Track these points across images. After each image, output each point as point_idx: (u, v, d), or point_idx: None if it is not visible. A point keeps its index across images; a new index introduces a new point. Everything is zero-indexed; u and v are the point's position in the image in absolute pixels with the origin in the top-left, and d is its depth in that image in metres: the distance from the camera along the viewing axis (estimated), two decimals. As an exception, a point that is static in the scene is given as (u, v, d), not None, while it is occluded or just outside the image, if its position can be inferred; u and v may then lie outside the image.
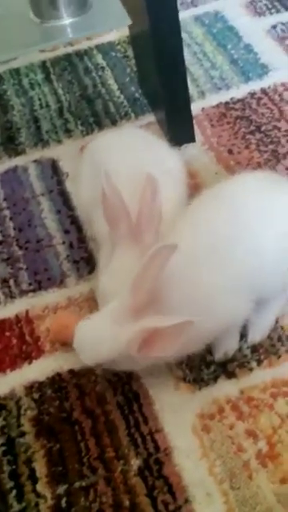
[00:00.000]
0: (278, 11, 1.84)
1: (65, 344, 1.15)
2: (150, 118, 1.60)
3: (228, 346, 1.12)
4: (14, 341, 1.20)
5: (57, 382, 1.13)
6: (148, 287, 0.98)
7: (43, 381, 1.14)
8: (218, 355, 1.11)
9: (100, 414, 1.08)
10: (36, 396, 1.12)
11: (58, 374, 1.14)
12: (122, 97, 1.67)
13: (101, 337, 1.01)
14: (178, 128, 1.46)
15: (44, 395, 1.12)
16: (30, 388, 1.13)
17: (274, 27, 1.79)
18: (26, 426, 1.08)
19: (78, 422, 1.07)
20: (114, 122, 1.61)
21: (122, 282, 1.03)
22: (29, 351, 1.18)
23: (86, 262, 1.31)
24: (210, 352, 1.12)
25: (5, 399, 1.12)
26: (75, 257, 1.32)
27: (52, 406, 1.10)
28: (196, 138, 1.50)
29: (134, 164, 1.20)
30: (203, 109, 1.58)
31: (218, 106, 1.59)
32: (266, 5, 1.86)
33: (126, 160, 1.21)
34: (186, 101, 1.44)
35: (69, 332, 1.08)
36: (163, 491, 0.98)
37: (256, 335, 1.13)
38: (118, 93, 1.69)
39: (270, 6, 1.86)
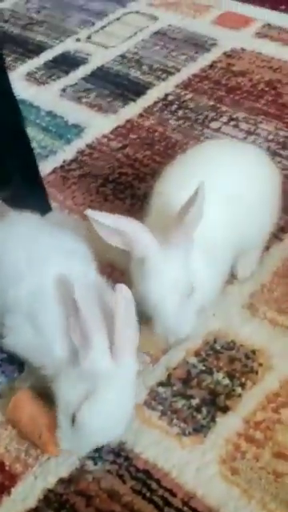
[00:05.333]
0: (59, 77, 1.87)
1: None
2: (-7, 201, 1.49)
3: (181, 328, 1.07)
4: (-26, 479, 0.99)
5: (53, 499, 0.96)
6: None
7: (36, 506, 0.95)
8: (172, 338, 1.07)
9: (121, 510, 0.93)
10: (39, 526, 0.93)
11: (50, 490, 0.96)
12: None
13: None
14: (34, 201, 1.38)
15: (47, 520, 0.93)
16: (25, 521, 0.93)
17: (64, 90, 1.81)
18: None
19: (103, 530, 0.92)
20: None
21: None
22: (0, 482, 0.98)
23: (8, 362, 1.14)
24: (193, 396, 1.06)
25: None
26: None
27: (64, 526, 0.92)
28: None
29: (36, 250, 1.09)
30: (42, 179, 1.51)
31: (54, 171, 1.54)
32: (43, 74, 1.88)
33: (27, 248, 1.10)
34: (37, 173, 1.38)
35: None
36: None
37: (246, 270, 1.21)
38: None
39: (49, 74, 1.88)
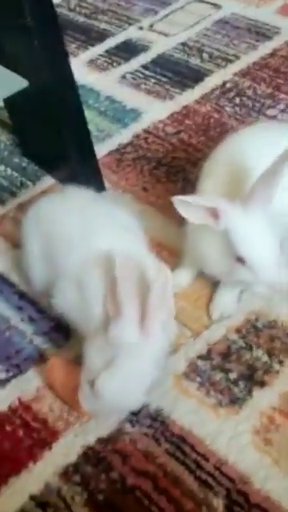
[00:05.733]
0: (119, 64, 1.92)
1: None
2: (49, 181, 1.55)
3: (225, 307, 1.17)
4: (20, 432, 1.05)
5: (92, 455, 1.01)
6: None
7: (76, 461, 1.01)
8: (215, 315, 1.17)
9: (156, 470, 0.98)
10: (77, 479, 0.98)
11: (89, 448, 1.02)
12: (9, 169, 1.60)
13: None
14: (88, 181, 1.43)
15: (85, 474, 0.99)
16: (65, 474, 0.99)
17: (124, 77, 1.86)
18: (84, 514, 0.94)
19: (136, 487, 0.96)
20: (13, 194, 1.53)
21: None
22: (42, 437, 1.05)
23: (56, 330, 1.20)
24: (232, 370, 1.09)
25: (43, 496, 0.97)
26: (43, 328, 1.21)
27: (100, 481, 0.98)
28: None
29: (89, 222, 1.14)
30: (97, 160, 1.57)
31: (109, 154, 1.60)
32: (105, 61, 1.94)
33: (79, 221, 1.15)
34: (92, 152, 1.43)
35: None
36: (262, 519, 0.91)
37: None
38: (2, 168, 1.62)
39: (110, 61, 1.94)
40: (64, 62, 1.29)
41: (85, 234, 1.12)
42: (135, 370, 0.96)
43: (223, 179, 1.17)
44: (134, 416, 1.05)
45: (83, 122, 1.37)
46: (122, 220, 1.20)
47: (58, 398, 1.08)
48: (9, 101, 1.56)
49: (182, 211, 1.07)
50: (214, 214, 1.06)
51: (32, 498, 0.98)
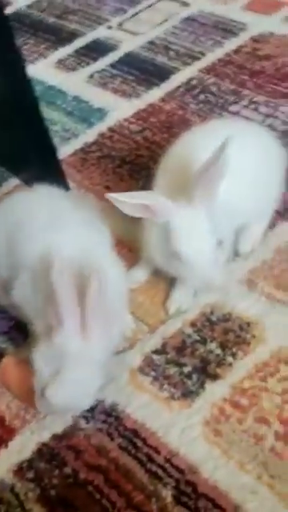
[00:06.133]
0: (88, 64, 1.94)
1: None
2: (14, 181, 1.56)
3: (181, 302, 1.19)
4: (-23, 431, 1.07)
5: (46, 451, 1.03)
6: None
7: (30, 457, 1.02)
8: (171, 310, 1.18)
9: (107, 464, 1.00)
10: (30, 475, 1.00)
11: (43, 444, 1.04)
12: (-25, 172, 1.62)
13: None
14: (51, 181, 1.44)
15: (39, 470, 1.00)
16: (19, 470, 1.01)
17: (92, 77, 1.88)
18: (36, 509, 0.96)
19: (88, 482, 0.98)
20: (-21, 195, 1.55)
21: None
22: (-1, 435, 1.07)
23: (15, 330, 1.22)
24: (185, 364, 1.11)
25: (-4, 493, 0.99)
26: (3, 328, 1.23)
27: (53, 476, 0.99)
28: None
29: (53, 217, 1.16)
30: (62, 160, 1.58)
31: (74, 153, 1.61)
32: (73, 61, 1.95)
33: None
34: (54, 153, 1.44)
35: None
36: (209, 508, 0.92)
37: (247, 245, 1.24)
38: None
39: (79, 61, 1.95)
40: (18, 65, 1.29)
41: (47, 228, 1.13)
42: (81, 376, 0.97)
43: (176, 175, 1.19)
44: (89, 412, 1.06)
45: (41, 124, 1.38)
46: (85, 217, 1.22)
47: (14, 397, 1.10)
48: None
49: (120, 207, 1.09)
50: (150, 209, 1.09)
51: (-14, 494, 1.00)
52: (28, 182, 1.52)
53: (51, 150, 1.45)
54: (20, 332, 1.20)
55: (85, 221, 1.18)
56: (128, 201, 1.09)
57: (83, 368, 0.97)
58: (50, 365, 0.97)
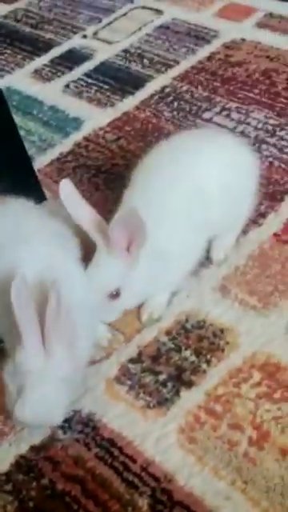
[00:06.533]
0: (63, 73, 1.95)
1: None
2: (-10, 193, 1.58)
3: (153, 309, 1.21)
4: None
5: (23, 464, 1.04)
6: None
7: (8, 470, 1.04)
8: (144, 318, 1.20)
9: (84, 474, 1.01)
10: (8, 488, 1.01)
11: (21, 457, 1.05)
12: None
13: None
14: (28, 193, 1.46)
15: (17, 483, 1.01)
16: (-3, 483, 1.02)
17: (67, 86, 1.89)
18: (14, 521, 0.97)
19: (66, 493, 0.99)
20: None
21: None
22: (-23, 448, 1.08)
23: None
24: (161, 372, 1.12)
25: (-25, 506, 1.00)
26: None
27: (30, 488, 1.00)
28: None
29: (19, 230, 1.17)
30: (39, 170, 1.59)
31: (51, 163, 1.62)
32: (49, 71, 1.97)
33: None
34: (29, 164, 1.46)
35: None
36: (185, 515, 0.94)
37: (219, 253, 1.27)
38: None
39: (54, 71, 1.96)
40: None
41: (11, 243, 1.13)
42: (45, 394, 0.98)
43: (144, 186, 1.21)
44: (66, 423, 1.07)
45: (15, 137, 1.40)
46: (54, 230, 1.22)
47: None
48: None
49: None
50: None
51: None
52: (4, 192, 1.53)
53: (26, 162, 1.46)
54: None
55: (52, 234, 1.19)
56: (68, 209, 1.17)
57: (46, 385, 0.98)
58: (14, 384, 0.98)
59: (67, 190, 1.19)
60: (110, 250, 1.12)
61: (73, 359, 1.01)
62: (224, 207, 1.21)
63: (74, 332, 1.01)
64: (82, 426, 1.07)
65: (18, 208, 1.26)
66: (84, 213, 1.18)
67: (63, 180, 1.19)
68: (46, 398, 0.98)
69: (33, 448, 1.05)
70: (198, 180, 1.18)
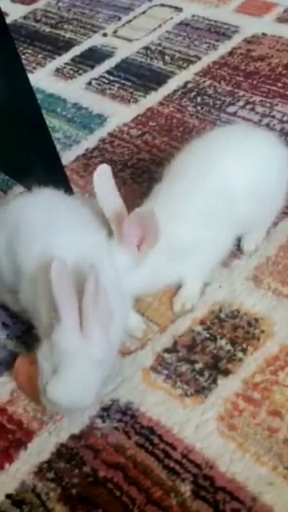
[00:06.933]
0: (85, 71, 1.97)
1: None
2: (18, 189, 1.59)
3: (186, 299, 1.22)
4: (-4, 435, 1.10)
5: (64, 452, 1.05)
6: None
7: (50, 458, 1.04)
8: (176, 307, 1.21)
9: (126, 462, 1.02)
10: (51, 475, 1.02)
11: (62, 445, 1.06)
12: (-21, 182, 1.65)
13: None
14: (55, 187, 1.47)
15: (59, 471, 1.02)
16: (39, 472, 1.03)
17: (90, 84, 1.90)
18: (58, 508, 0.98)
19: (108, 480, 1.00)
20: (-15, 204, 1.58)
21: None
22: (18, 438, 1.08)
23: (28, 333, 1.23)
24: (197, 361, 1.13)
25: (19, 494, 1.01)
26: (16, 333, 1.25)
27: (73, 476, 1.01)
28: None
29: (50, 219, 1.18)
30: (65, 166, 1.60)
31: (77, 159, 1.64)
32: (71, 69, 1.98)
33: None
34: (58, 159, 1.47)
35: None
36: (227, 501, 0.95)
37: (251, 244, 1.28)
38: (-28, 180, 1.66)
39: (76, 69, 1.98)
40: (20, 73, 1.32)
41: (44, 231, 1.14)
42: (80, 374, 0.99)
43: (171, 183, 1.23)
44: (105, 411, 1.08)
45: (45, 131, 1.40)
46: (86, 218, 1.23)
47: (28, 398, 1.12)
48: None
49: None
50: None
51: (8, 496, 1.01)
52: (31, 188, 1.55)
53: (55, 157, 1.47)
54: (33, 335, 1.22)
55: (82, 222, 1.20)
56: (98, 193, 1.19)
57: (82, 365, 0.99)
58: (49, 363, 1.00)
59: (104, 175, 1.20)
60: (122, 244, 1.14)
61: (108, 342, 1.02)
62: (252, 207, 1.21)
63: (110, 315, 1.02)
64: (121, 414, 1.08)
65: (47, 197, 1.28)
66: (112, 201, 1.20)
67: (103, 164, 1.20)
68: (80, 378, 0.99)
69: (73, 437, 1.06)
70: (224, 179, 1.19)
